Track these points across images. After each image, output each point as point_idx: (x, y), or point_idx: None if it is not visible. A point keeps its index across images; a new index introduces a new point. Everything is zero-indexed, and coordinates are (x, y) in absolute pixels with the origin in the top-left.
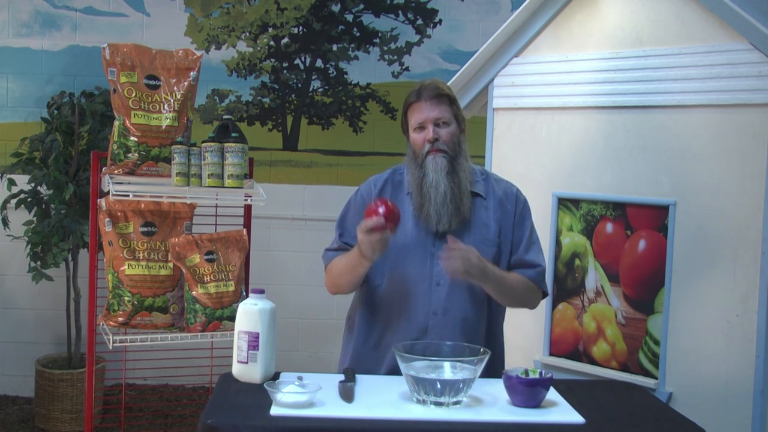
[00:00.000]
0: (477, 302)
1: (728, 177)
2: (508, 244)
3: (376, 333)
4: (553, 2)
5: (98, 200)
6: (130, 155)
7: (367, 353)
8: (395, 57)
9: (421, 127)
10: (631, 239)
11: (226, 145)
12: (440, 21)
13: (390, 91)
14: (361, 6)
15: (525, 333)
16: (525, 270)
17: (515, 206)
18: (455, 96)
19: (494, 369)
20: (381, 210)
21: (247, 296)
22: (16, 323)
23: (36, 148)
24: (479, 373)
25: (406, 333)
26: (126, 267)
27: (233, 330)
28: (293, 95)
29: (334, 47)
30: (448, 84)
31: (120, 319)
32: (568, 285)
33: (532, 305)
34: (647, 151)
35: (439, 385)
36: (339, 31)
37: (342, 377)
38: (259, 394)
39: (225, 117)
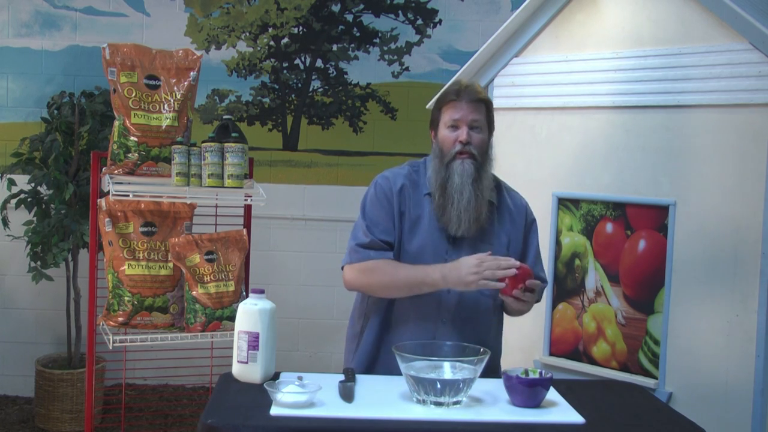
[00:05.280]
0: (484, 311)
1: (728, 177)
2: (518, 258)
3: (384, 337)
4: (553, 2)
5: (98, 200)
6: (130, 155)
7: (376, 357)
8: (395, 57)
9: (455, 126)
10: (631, 239)
11: (226, 145)
12: (440, 21)
13: (390, 91)
14: (361, 6)
15: (525, 333)
16: None
17: (525, 220)
18: (491, 102)
19: (491, 371)
20: (513, 274)
21: (247, 296)
22: (16, 323)
23: (36, 148)
24: (479, 373)
25: (414, 338)
26: (126, 267)
27: (233, 330)
28: (293, 95)
29: (334, 47)
30: (448, 84)
31: (120, 319)
32: (568, 285)
33: None
34: (647, 151)
35: (439, 385)
36: (339, 31)
37: (342, 377)
38: (259, 394)
39: (225, 117)
